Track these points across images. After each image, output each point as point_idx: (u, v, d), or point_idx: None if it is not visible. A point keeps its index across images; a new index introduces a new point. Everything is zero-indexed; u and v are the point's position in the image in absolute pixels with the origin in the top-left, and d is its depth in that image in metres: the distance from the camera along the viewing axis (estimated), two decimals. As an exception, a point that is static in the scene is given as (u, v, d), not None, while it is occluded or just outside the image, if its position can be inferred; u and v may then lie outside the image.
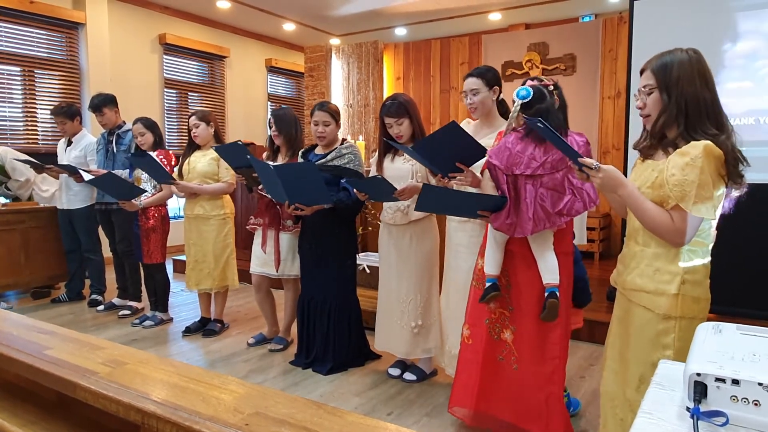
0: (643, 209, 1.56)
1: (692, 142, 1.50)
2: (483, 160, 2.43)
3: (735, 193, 1.58)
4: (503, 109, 2.76)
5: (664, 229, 1.55)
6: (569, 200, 2.12)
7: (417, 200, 2.25)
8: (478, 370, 2.37)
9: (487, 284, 2.32)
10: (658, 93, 1.60)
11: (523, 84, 2.24)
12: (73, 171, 4.30)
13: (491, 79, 2.65)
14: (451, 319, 2.83)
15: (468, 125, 2.80)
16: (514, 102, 2.18)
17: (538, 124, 1.66)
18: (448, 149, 2.35)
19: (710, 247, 1.63)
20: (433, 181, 2.85)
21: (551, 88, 2.20)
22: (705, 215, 1.49)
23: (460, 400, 2.46)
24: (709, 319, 1.27)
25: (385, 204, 3.07)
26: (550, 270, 2.22)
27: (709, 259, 1.63)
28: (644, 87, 1.64)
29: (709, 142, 1.48)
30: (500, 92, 2.70)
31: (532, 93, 2.14)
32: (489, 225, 2.31)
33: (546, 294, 2.22)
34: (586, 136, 2.21)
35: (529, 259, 2.29)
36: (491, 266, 2.33)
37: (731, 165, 1.50)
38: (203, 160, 3.80)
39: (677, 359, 1.52)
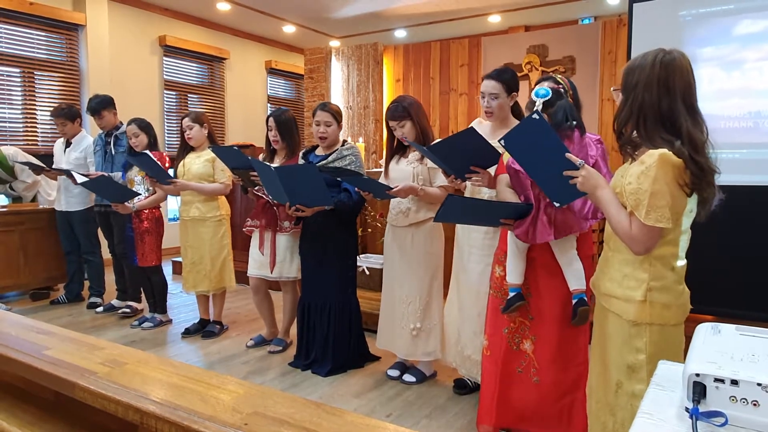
0: (610, 212, 1.57)
1: (650, 151, 1.49)
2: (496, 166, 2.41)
3: (714, 201, 1.54)
4: (517, 110, 2.72)
5: (622, 234, 1.54)
6: (592, 203, 2.07)
7: (439, 211, 2.14)
8: (497, 383, 2.33)
9: (511, 294, 2.25)
10: (622, 94, 1.64)
11: (537, 83, 2.22)
12: (67, 174, 4.29)
13: (511, 83, 2.61)
14: (464, 320, 2.81)
15: (480, 125, 2.77)
16: (534, 102, 2.12)
17: (535, 115, 1.65)
18: (464, 152, 2.34)
19: (683, 251, 1.61)
20: (439, 182, 2.85)
21: (562, 90, 2.19)
22: (658, 224, 1.47)
23: (484, 417, 2.40)
24: (707, 321, 1.28)
25: (390, 204, 3.08)
26: (576, 276, 2.18)
27: (681, 263, 1.61)
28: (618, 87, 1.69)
29: (665, 150, 1.46)
30: (517, 97, 2.67)
31: (551, 92, 2.11)
32: (509, 233, 2.25)
33: (574, 301, 2.17)
34: (599, 136, 2.20)
35: (551, 266, 2.24)
36: (514, 275, 2.26)
37: (694, 174, 1.47)
38: (198, 162, 3.80)
39: (650, 363, 1.51)
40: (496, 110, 2.61)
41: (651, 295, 1.55)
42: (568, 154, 1.61)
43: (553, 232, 2.10)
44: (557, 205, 1.80)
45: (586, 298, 2.17)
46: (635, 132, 1.59)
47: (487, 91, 2.59)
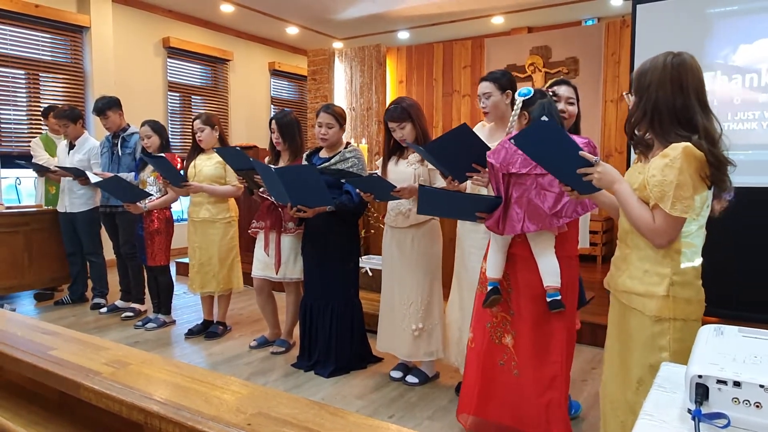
0: (630, 206, 1.59)
1: (673, 144, 1.52)
2: None
3: (726, 197, 1.58)
4: None
5: (644, 227, 1.57)
6: (567, 202, 2.09)
7: (417, 203, 2.23)
8: (479, 375, 2.36)
9: (489, 288, 2.30)
10: (634, 95, 1.67)
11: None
12: (79, 174, 4.32)
13: (504, 83, 2.66)
14: (465, 320, 2.80)
15: (483, 128, 2.81)
16: (515, 102, 2.21)
17: (543, 118, 1.68)
18: (459, 151, 2.35)
19: (700, 248, 1.64)
20: (438, 183, 2.86)
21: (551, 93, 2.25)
22: (683, 214, 1.50)
23: (464, 406, 2.44)
24: (710, 323, 1.28)
25: (388, 206, 3.08)
26: (550, 272, 2.21)
27: (699, 260, 1.63)
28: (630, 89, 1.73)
29: (688, 143, 1.50)
30: (513, 96, 2.70)
31: (533, 91, 2.17)
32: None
33: (549, 301, 2.18)
34: (588, 138, 2.21)
35: (531, 263, 2.27)
36: (493, 269, 2.31)
37: (713, 166, 1.51)
38: (209, 164, 3.82)
39: (674, 361, 1.52)
40: (490, 108, 2.66)
41: (673, 290, 1.57)
42: (582, 152, 1.62)
43: (522, 225, 2.14)
44: (581, 194, 1.79)
45: (560, 298, 2.18)
46: (649, 132, 1.62)
47: (481, 92, 2.68)
